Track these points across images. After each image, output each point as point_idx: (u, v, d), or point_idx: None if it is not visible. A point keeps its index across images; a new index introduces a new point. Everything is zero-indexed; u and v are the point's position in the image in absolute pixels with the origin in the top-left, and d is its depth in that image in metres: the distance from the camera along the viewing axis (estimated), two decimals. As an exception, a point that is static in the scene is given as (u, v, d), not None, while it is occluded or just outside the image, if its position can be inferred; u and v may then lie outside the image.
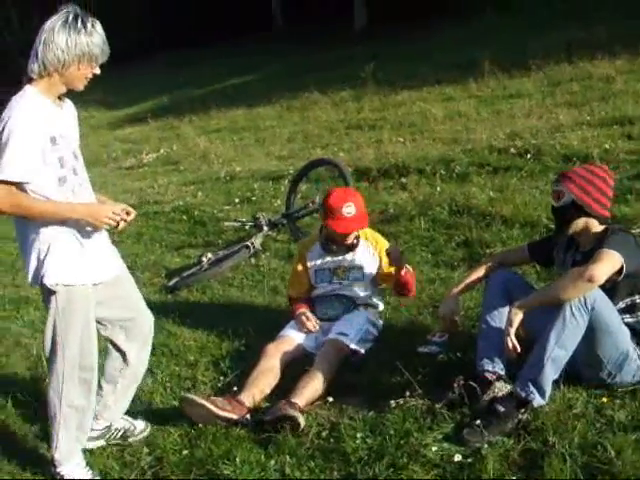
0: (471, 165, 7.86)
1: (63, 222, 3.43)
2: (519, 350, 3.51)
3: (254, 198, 8.79)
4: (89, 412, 3.77)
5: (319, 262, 4.87)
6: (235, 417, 3.89)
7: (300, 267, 4.94)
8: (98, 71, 3.47)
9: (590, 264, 3.41)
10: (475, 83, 12.96)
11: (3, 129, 3.26)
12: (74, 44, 3.30)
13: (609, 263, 3.43)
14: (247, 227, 7.39)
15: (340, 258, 4.81)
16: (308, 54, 21.70)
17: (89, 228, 3.53)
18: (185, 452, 3.76)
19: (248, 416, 3.94)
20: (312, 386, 4.05)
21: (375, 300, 4.84)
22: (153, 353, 4.97)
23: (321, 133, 12.71)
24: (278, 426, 3.72)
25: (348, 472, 3.36)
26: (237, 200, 8.84)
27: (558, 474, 2.96)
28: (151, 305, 5.89)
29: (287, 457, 3.53)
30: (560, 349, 3.39)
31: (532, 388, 3.43)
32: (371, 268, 4.80)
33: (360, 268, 4.78)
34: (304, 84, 16.07)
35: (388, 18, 22.22)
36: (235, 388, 4.23)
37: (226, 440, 3.75)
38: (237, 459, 3.55)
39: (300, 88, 16.11)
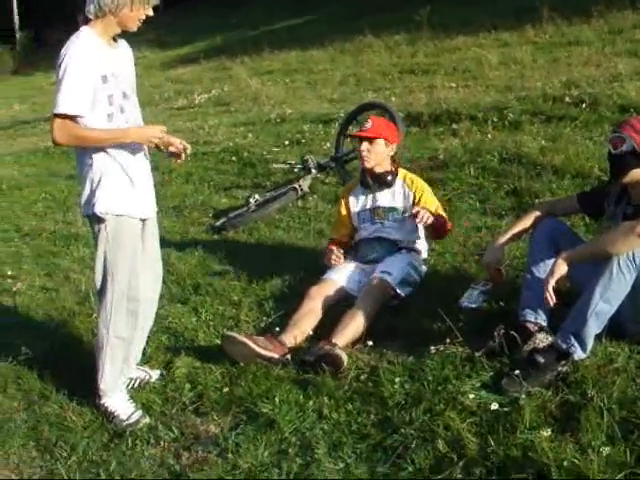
0: (524, 113, 7.74)
1: (114, 156, 3.61)
2: (554, 302, 3.44)
3: (304, 140, 8.78)
4: (134, 345, 3.91)
5: (360, 203, 4.91)
6: (276, 356, 3.94)
7: (343, 210, 4.97)
8: (151, 13, 3.62)
9: (641, 219, 3.34)
10: (533, 29, 12.73)
11: (60, 66, 3.44)
12: None
13: (662, 219, 3.35)
14: (295, 169, 7.40)
15: (378, 197, 4.83)
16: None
17: (138, 163, 3.72)
18: (225, 390, 3.83)
19: (289, 356, 3.98)
20: (353, 326, 4.08)
21: (418, 245, 4.81)
22: (198, 292, 5.10)
23: (374, 77, 12.63)
24: (318, 367, 3.76)
25: (385, 416, 3.38)
26: (287, 142, 8.84)
27: (595, 428, 2.93)
28: (198, 244, 6.07)
29: (325, 398, 3.56)
30: (605, 304, 3.33)
31: (573, 341, 3.38)
32: (409, 210, 4.79)
33: (398, 209, 4.79)
34: (358, 27, 15.92)
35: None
36: (277, 329, 4.27)
37: (266, 379, 3.80)
38: (276, 398, 3.60)
39: (354, 31, 15.98)
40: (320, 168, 7.18)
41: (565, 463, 2.79)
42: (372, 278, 4.45)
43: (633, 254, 3.28)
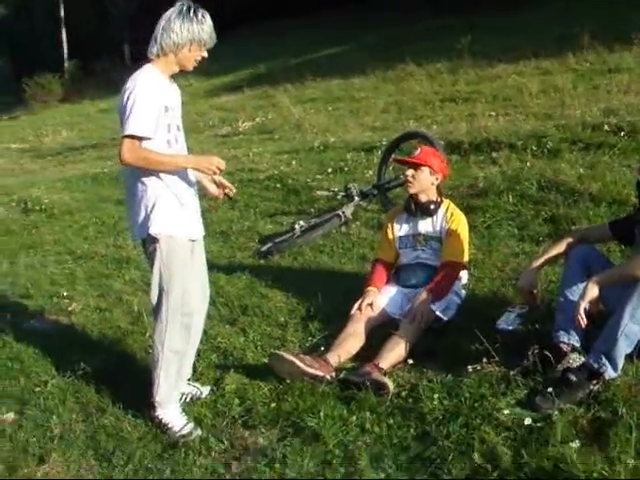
0: (563, 141, 7.86)
1: (167, 183, 3.94)
2: (585, 323, 3.62)
3: (346, 168, 8.97)
4: (188, 358, 4.18)
5: (403, 228, 5.08)
6: (321, 374, 4.14)
7: (388, 233, 5.13)
8: (205, 54, 4.02)
9: (668, 243, 3.51)
10: (574, 57, 12.83)
11: (129, 96, 3.81)
12: (187, 30, 3.87)
13: (687, 242, 3.52)
14: (339, 197, 7.58)
15: (420, 224, 5.00)
16: (404, 24, 21.64)
17: (188, 191, 4.06)
18: (273, 405, 4.03)
19: (333, 374, 4.18)
20: (397, 351, 4.28)
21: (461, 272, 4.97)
22: (246, 313, 5.34)
23: (415, 105, 12.80)
24: (361, 385, 3.95)
25: (424, 430, 3.56)
26: (330, 170, 9.04)
27: (623, 443, 3.09)
28: (245, 268, 6.30)
29: (367, 413, 3.76)
30: (634, 324, 3.49)
31: (605, 360, 3.53)
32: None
33: (438, 239, 4.94)
34: (400, 55, 16.13)
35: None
36: (322, 348, 4.48)
37: (311, 396, 4.00)
38: (321, 413, 3.80)
39: (396, 59, 16.17)
40: (363, 196, 7.38)
41: (594, 474, 2.95)
42: (416, 305, 4.61)
43: (660, 277, 3.45)
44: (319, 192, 8.03)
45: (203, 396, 4.31)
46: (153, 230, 3.92)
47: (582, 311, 3.60)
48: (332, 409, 3.85)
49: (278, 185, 9.01)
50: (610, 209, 5.98)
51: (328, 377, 4.15)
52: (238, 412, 4.05)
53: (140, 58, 4.07)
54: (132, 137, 3.77)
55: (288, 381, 4.17)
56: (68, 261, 7.71)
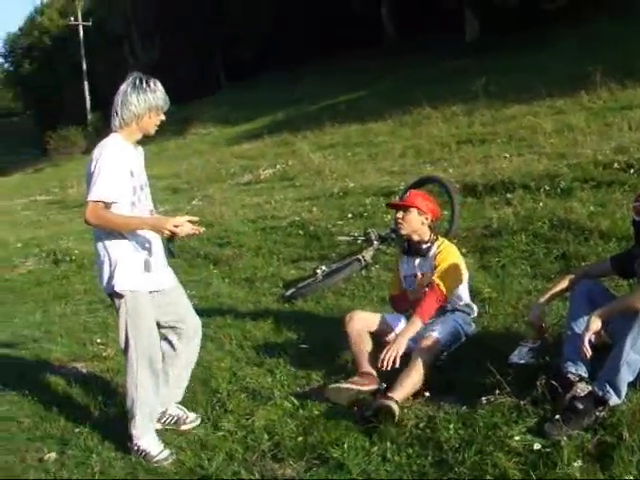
0: (575, 180, 8.11)
1: (130, 240, 4.30)
2: (590, 354, 3.87)
3: (366, 213, 9.27)
4: (158, 396, 4.51)
5: (405, 269, 5.34)
6: (376, 386, 4.56)
7: (397, 274, 5.44)
8: (163, 117, 4.40)
9: (664, 276, 3.76)
10: (587, 95, 13.02)
11: (96, 163, 4.18)
12: (144, 100, 4.25)
13: (682, 276, 3.77)
14: (359, 241, 7.88)
15: (416, 264, 5.23)
16: (419, 67, 22.00)
17: (149, 246, 4.39)
18: (300, 438, 4.28)
19: (383, 385, 4.59)
20: (409, 383, 4.49)
21: (465, 307, 5.18)
22: (272, 355, 5.55)
23: (432, 148, 13.04)
24: (380, 418, 4.20)
25: (441, 458, 3.80)
26: (350, 215, 9.33)
27: (627, 464, 3.32)
28: (270, 313, 6.56)
29: (388, 444, 4.00)
30: (635, 354, 3.73)
31: (609, 388, 3.78)
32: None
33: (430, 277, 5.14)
34: (416, 98, 16.39)
35: (500, 29, 22.32)
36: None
37: (336, 429, 4.25)
38: (345, 445, 4.04)
39: (412, 103, 16.45)
40: (381, 240, 7.66)
41: (598, 491, 3.19)
42: (423, 338, 4.85)
43: (658, 308, 3.70)
44: (340, 237, 8.32)
45: (188, 420, 4.70)
46: (118, 287, 4.28)
47: (587, 342, 3.85)
48: (355, 440, 4.09)
49: (300, 231, 9.28)
50: (619, 245, 6.18)
51: (380, 386, 4.59)
52: (267, 446, 4.30)
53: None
54: (96, 201, 4.12)
55: (314, 415, 4.45)
56: (100, 309, 7.97)
